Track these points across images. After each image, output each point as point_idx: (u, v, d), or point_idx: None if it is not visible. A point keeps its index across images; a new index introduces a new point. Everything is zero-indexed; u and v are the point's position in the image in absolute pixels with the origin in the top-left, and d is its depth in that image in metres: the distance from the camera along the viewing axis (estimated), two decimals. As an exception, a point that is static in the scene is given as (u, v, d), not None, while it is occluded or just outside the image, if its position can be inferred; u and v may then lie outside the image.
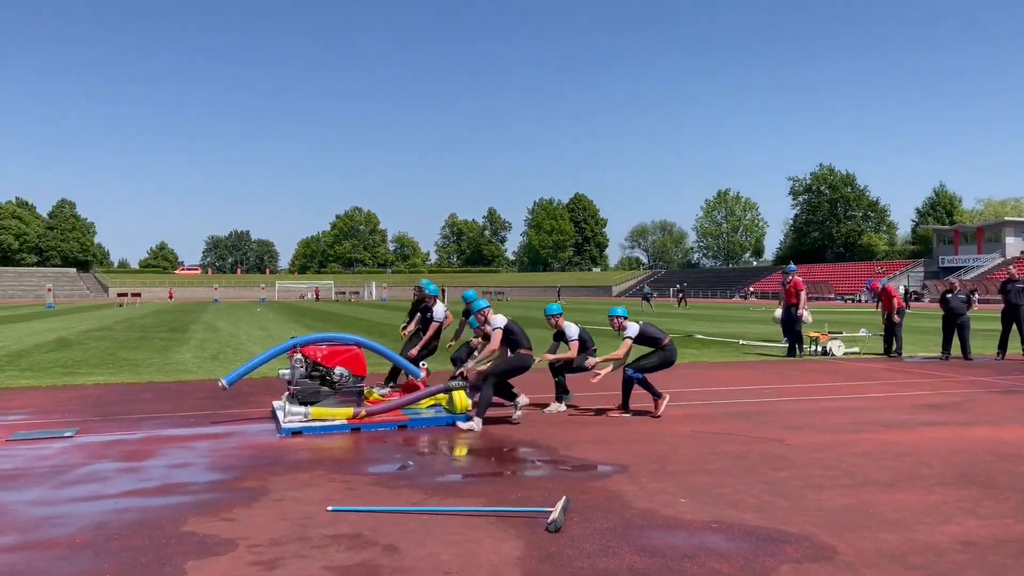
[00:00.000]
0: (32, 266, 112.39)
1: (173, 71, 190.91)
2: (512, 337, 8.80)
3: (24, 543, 4.60)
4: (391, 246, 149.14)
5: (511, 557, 4.31)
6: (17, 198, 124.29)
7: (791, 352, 16.13)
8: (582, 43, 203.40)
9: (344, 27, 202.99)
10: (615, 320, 9.47)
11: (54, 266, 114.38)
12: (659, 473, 6.25)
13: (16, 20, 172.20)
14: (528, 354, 8.80)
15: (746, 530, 4.78)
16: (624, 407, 9.23)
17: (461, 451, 7.29)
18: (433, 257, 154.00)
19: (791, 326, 16.11)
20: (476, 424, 8.24)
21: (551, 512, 4.92)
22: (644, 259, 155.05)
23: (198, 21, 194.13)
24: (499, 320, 8.83)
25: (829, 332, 17.44)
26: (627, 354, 9.27)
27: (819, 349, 16.55)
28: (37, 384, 12.05)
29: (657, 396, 9.05)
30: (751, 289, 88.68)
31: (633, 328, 9.27)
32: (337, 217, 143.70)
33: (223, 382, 8.86)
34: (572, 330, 9.74)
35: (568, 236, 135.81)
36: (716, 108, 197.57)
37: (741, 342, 19.65)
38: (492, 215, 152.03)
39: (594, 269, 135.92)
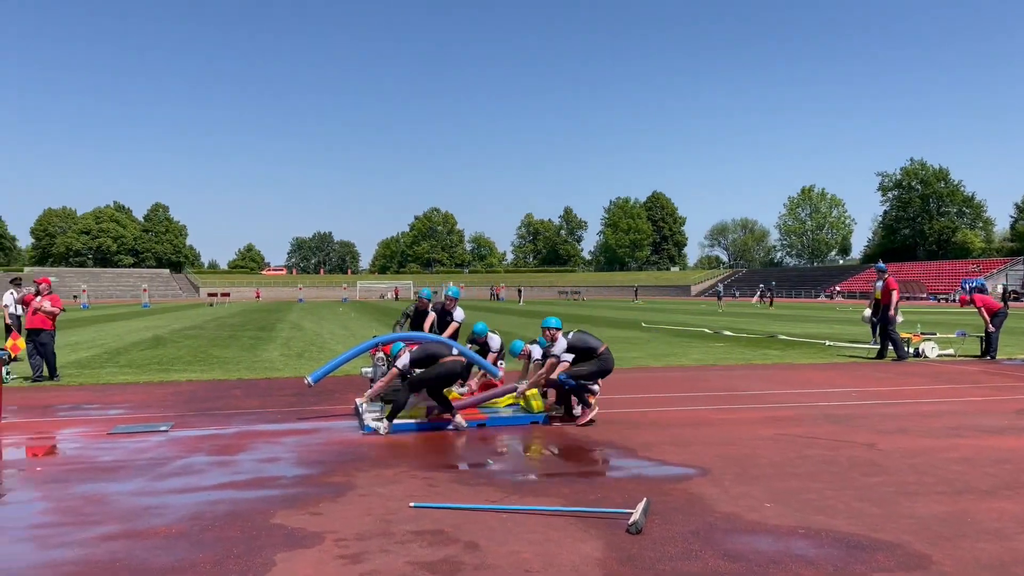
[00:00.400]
0: (129, 267, 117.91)
1: (263, 77, 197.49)
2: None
3: (125, 532, 4.83)
4: (468, 246, 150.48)
5: (591, 558, 4.30)
6: (115, 202, 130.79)
7: (882, 354, 15.53)
8: (660, 40, 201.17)
9: (422, 29, 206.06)
10: (547, 332, 8.95)
11: (149, 267, 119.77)
12: (742, 476, 6.12)
13: (112, 29, 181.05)
14: (455, 361, 8.40)
15: (835, 537, 4.64)
16: (567, 413, 8.78)
17: (539, 450, 7.30)
18: (509, 257, 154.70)
19: (885, 327, 15.48)
20: (383, 427, 8.08)
21: (632, 513, 4.88)
22: (724, 258, 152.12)
23: (282, 27, 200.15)
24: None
25: (922, 333, 16.74)
26: (553, 371, 8.60)
27: (912, 351, 15.90)
28: (135, 380, 12.65)
29: (586, 405, 8.50)
30: (837, 288, 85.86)
31: (561, 343, 8.62)
32: (416, 218, 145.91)
33: (309, 380, 9.11)
34: (560, 345, 8.71)
35: (645, 235, 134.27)
36: (799, 102, 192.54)
37: (827, 343, 19.06)
38: (568, 214, 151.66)
39: (672, 268, 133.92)
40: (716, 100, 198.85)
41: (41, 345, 12.58)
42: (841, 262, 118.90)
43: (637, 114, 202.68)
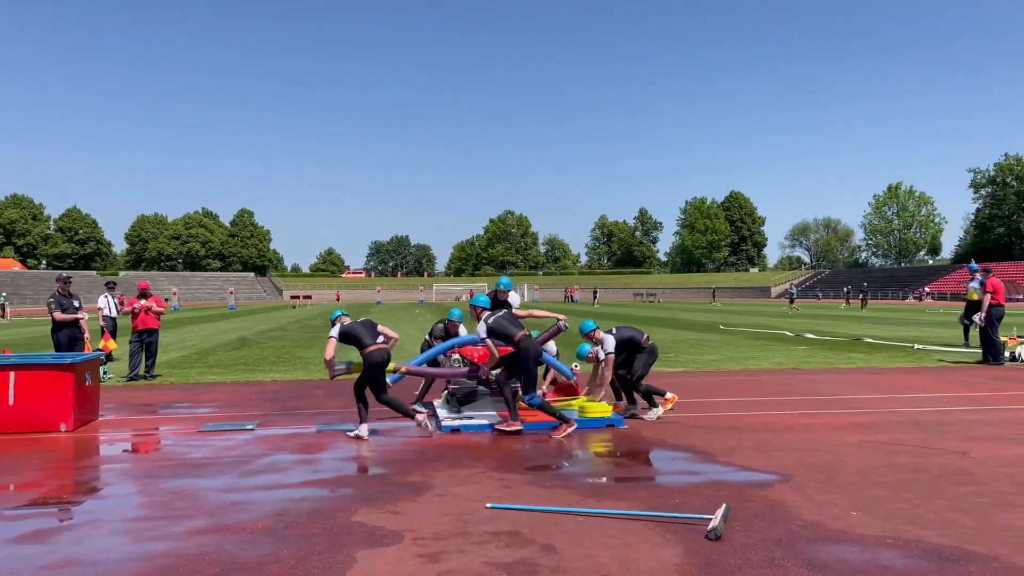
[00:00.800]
0: (216, 271, 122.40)
1: (342, 84, 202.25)
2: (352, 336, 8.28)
3: (213, 527, 5.01)
4: (542, 248, 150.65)
5: (670, 563, 4.24)
6: (204, 208, 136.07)
7: (987, 358, 14.80)
8: (736, 35, 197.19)
9: (496, 31, 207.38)
10: (592, 335, 9.19)
11: (235, 271, 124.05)
12: (826, 484, 5.94)
13: (195, 46, 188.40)
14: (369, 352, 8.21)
15: (926, 548, 4.45)
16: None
17: (616, 454, 7.25)
18: (584, 259, 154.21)
19: (986, 330, 14.77)
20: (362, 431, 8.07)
21: (711, 519, 4.80)
22: (806, 259, 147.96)
23: (362, 33, 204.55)
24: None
25: (1018, 336, 15.92)
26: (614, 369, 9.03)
27: (1008, 355, 15.14)
28: (223, 380, 13.13)
29: (652, 404, 9.07)
30: (926, 290, 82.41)
31: (610, 341, 8.96)
32: (490, 221, 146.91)
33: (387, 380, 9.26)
34: (609, 343, 9.01)
35: (723, 235, 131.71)
36: (885, 96, 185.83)
37: (916, 347, 18.33)
38: (643, 215, 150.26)
39: (751, 269, 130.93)
40: (796, 95, 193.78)
41: (148, 344, 13.23)
42: (930, 262, 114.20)
43: (714, 112, 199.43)
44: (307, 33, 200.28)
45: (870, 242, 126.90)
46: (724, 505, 5.05)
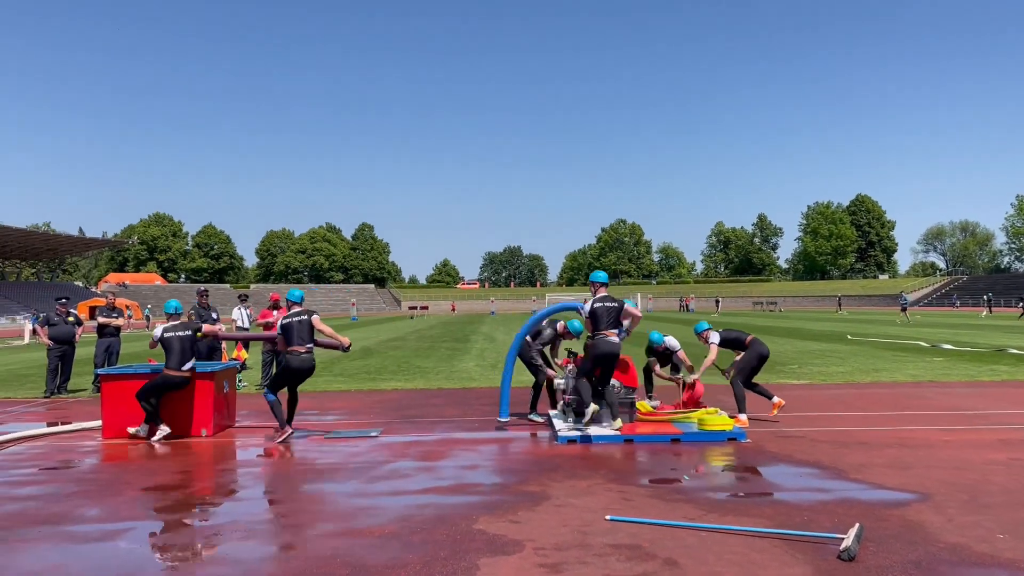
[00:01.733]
0: (339, 283, 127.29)
1: (454, 103, 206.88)
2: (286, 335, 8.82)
3: (343, 530, 5.22)
4: (656, 257, 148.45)
5: (799, 583, 4.09)
6: (327, 223, 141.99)
7: None
8: (860, 33, 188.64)
9: (602, 39, 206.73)
10: (702, 335, 9.98)
11: (356, 283, 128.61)
12: (970, 504, 5.58)
13: (315, 69, 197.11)
14: (295, 351, 8.73)
15: (1087, 578, 4.11)
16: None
17: (738, 468, 7.05)
18: (699, 267, 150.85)
19: None
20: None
21: (843, 539, 4.60)
22: (941, 264, 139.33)
23: (469, 49, 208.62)
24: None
25: None
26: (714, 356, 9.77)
27: None
28: (347, 388, 13.63)
29: (741, 410, 9.33)
30: (1079, 296, 75.96)
31: (715, 337, 9.88)
32: (602, 230, 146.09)
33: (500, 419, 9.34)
34: (714, 336, 9.98)
35: (849, 241, 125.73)
36: (1022, 89, 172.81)
37: (1069, 358, 16.92)
38: (762, 221, 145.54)
39: (881, 276, 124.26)
40: (925, 91, 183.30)
41: (278, 354, 13.90)
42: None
43: (836, 111, 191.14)
44: (423, 55, 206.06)
45: (1013, 246, 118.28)
46: (857, 524, 4.83)
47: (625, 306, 8.67)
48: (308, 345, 8.80)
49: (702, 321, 10.16)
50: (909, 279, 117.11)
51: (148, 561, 4.68)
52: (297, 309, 9.06)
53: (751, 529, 5.05)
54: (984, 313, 55.16)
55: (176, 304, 9.38)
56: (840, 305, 76.57)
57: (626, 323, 8.89)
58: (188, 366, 8.86)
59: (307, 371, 8.79)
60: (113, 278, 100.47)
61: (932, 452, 7.48)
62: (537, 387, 9.95)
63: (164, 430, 8.72)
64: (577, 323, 9.89)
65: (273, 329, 13.82)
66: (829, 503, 5.73)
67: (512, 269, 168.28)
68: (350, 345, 9.37)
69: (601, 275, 8.98)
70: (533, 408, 9.91)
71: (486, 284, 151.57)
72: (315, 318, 8.99)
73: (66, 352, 13.47)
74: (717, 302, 71.50)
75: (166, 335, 8.93)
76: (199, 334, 9.27)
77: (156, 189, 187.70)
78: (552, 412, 9.60)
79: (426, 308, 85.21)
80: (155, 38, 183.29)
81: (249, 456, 8.06)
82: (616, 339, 8.50)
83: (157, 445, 8.56)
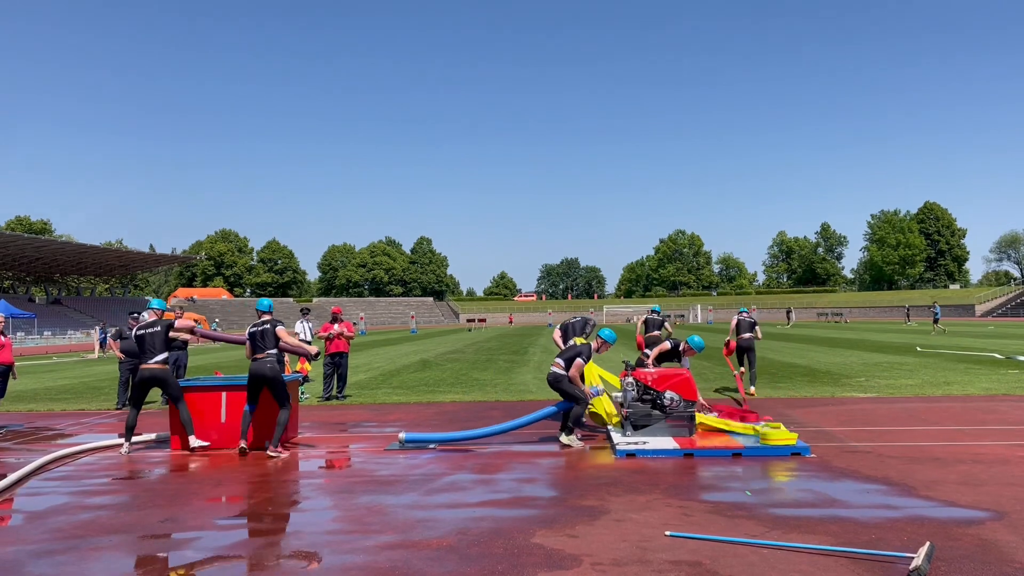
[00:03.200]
0: (398, 296, 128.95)
1: (509, 117, 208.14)
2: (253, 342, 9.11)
3: (402, 542, 5.26)
4: (716, 268, 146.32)
5: (867, 604, 3.96)
6: (387, 237, 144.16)
7: None
8: (926, 30, 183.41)
9: (657, 49, 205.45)
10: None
11: (415, 296, 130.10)
12: (1049, 524, 5.33)
13: (375, 85, 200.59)
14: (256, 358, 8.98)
15: None
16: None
17: (802, 484, 6.87)
18: (761, 277, 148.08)
19: None
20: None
21: (913, 559, 4.44)
22: (1016, 273, 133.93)
23: (530, 63, 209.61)
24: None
25: None
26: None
27: None
28: (406, 400, 13.77)
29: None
30: None
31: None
32: (661, 241, 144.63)
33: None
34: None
35: (918, 250, 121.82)
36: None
37: None
38: (826, 230, 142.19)
39: (951, 286, 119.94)
40: (994, 95, 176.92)
41: (339, 366, 14.15)
42: None
43: (902, 117, 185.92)
44: (481, 70, 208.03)
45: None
46: (928, 543, 4.66)
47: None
48: (269, 351, 9.03)
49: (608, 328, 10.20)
50: (982, 288, 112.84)
51: (213, 570, 4.79)
52: (265, 318, 9.33)
53: (816, 547, 4.91)
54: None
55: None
56: (908, 316, 74.19)
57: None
58: (158, 359, 9.30)
59: (258, 377, 8.90)
60: (182, 293, 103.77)
61: (1007, 469, 7.17)
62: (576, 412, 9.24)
63: (198, 442, 9.03)
64: (608, 331, 9.79)
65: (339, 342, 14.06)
66: (898, 521, 5.55)
67: (569, 281, 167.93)
68: (318, 353, 9.85)
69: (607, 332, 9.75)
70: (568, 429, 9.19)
71: (543, 296, 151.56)
72: (280, 328, 9.25)
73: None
74: (789, 313, 69.53)
75: (138, 333, 9.49)
76: (172, 331, 9.69)
77: (222, 206, 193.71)
78: (609, 426, 9.51)
79: (484, 321, 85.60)
80: (220, 60, 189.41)
81: (310, 467, 8.19)
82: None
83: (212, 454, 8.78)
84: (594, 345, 9.49)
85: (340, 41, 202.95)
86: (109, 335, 20.42)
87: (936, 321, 44.32)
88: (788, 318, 67.09)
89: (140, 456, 8.95)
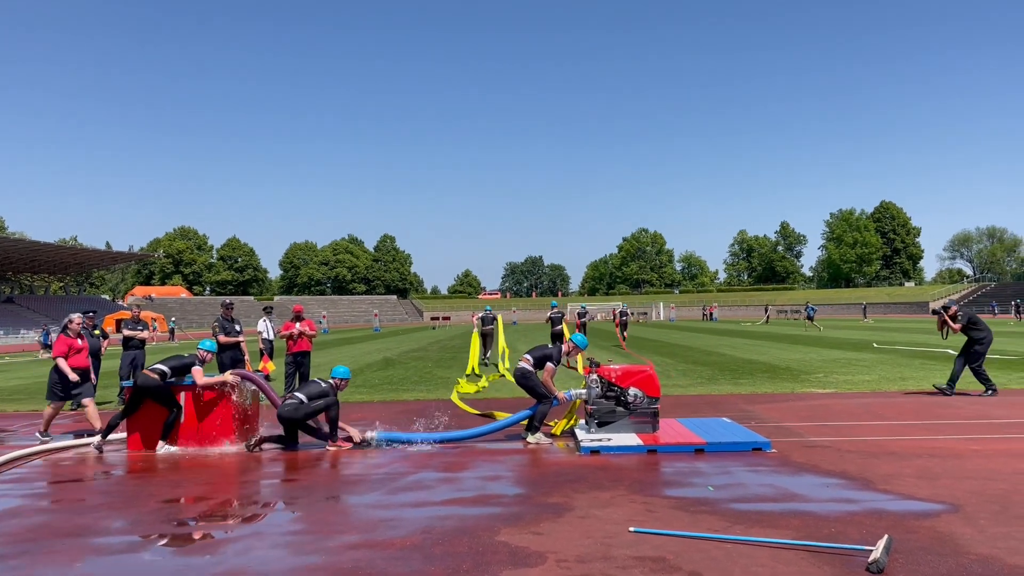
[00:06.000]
0: (361, 294, 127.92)
1: (473, 115, 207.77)
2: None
3: (365, 542, 5.21)
4: (678, 266, 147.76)
5: (827, 597, 4.02)
6: (350, 235, 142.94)
7: None
8: (877, 34, 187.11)
9: (622, 49, 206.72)
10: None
11: (379, 294, 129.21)
12: (1001, 516, 5.47)
13: (346, 84, 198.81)
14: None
15: (1125, 592, 4.00)
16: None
17: (764, 479, 6.95)
18: (722, 275, 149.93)
19: None
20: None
21: (872, 551, 4.52)
22: (968, 271, 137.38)
23: (493, 61, 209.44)
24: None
25: None
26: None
27: None
28: (370, 399, 13.66)
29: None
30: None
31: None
32: (624, 239, 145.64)
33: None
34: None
35: (874, 248, 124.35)
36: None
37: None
38: (785, 229, 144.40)
39: (906, 283, 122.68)
40: (950, 98, 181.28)
41: (302, 365, 13.97)
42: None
43: (858, 118, 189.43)
44: (444, 65, 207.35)
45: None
46: (886, 536, 4.74)
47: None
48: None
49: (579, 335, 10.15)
50: (936, 286, 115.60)
51: (171, 572, 4.70)
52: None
53: (778, 541, 4.98)
54: (1013, 320, 54.25)
55: (211, 344, 9.85)
56: (865, 313, 75.69)
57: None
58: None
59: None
60: (139, 291, 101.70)
61: (961, 462, 7.34)
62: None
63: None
64: (581, 336, 9.96)
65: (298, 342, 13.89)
66: (857, 514, 5.64)
67: (534, 279, 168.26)
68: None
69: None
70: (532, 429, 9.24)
71: (508, 294, 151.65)
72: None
73: (92, 365, 13.60)
74: (767, 310, 70.34)
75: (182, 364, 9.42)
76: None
77: (181, 203, 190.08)
78: (579, 424, 9.54)
79: (448, 319, 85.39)
80: (178, 52, 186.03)
81: (271, 468, 8.08)
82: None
83: (165, 455, 8.62)
84: (564, 349, 9.57)
85: (298, 37, 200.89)
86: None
87: (810, 319, 45.72)
88: (766, 315, 67.85)
89: (96, 457, 8.75)
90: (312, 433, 9.09)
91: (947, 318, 13.17)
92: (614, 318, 32.12)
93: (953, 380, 12.49)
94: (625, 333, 30.90)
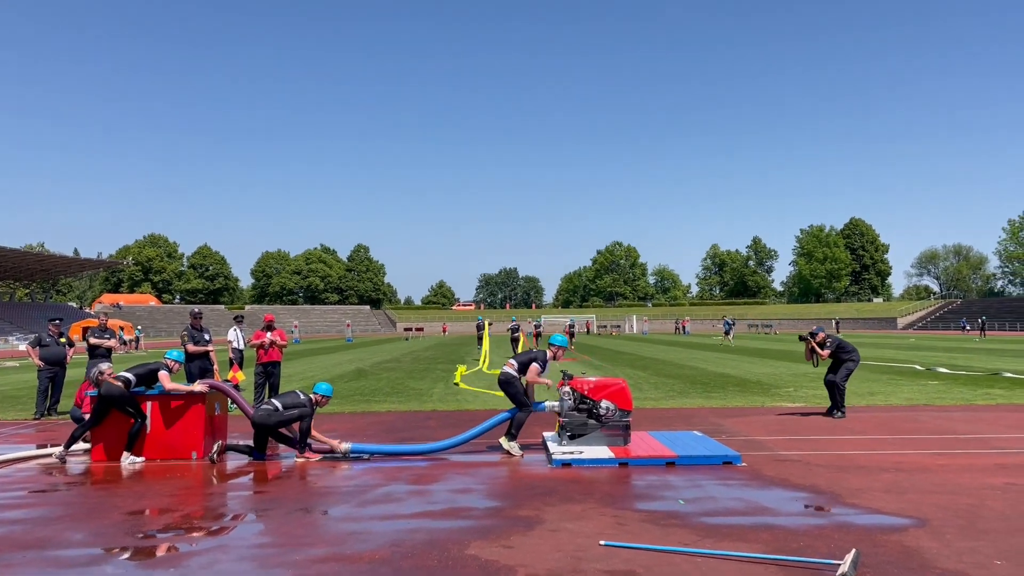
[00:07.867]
0: (334, 304, 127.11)
1: (449, 127, 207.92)
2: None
3: (333, 555, 5.14)
4: (651, 279, 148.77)
5: (795, 611, 4.03)
6: (322, 244, 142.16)
7: None
8: (854, 52, 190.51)
9: (598, 65, 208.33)
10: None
11: (352, 304, 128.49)
12: (967, 530, 5.53)
13: (318, 87, 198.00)
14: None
15: (1086, 606, 4.05)
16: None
17: (734, 492, 6.98)
18: (695, 289, 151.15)
19: None
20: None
21: (839, 565, 4.54)
22: (935, 287, 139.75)
23: (469, 72, 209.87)
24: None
25: None
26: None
27: None
28: (341, 411, 13.53)
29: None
30: (1073, 319, 76.11)
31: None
32: (598, 252, 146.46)
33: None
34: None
35: (843, 264, 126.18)
36: (1015, 116, 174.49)
37: (1064, 381, 16.90)
38: (757, 244, 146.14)
39: (875, 299, 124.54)
40: (919, 116, 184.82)
41: (271, 375, 13.79)
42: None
43: (830, 135, 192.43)
44: (418, 76, 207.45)
45: (1006, 269, 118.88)
46: (853, 550, 4.77)
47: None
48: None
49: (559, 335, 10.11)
50: (903, 302, 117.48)
51: (134, 587, 4.59)
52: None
53: (747, 555, 4.99)
54: (978, 336, 55.23)
55: (178, 354, 9.77)
56: (838, 328, 76.61)
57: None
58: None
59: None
60: (107, 299, 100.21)
61: (928, 477, 7.43)
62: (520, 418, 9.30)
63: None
64: (561, 337, 9.94)
65: (268, 351, 13.73)
66: (826, 528, 5.68)
67: (508, 291, 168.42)
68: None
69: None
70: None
71: (481, 306, 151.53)
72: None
73: (57, 373, 13.34)
74: (732, 325, 70.33)
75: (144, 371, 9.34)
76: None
77: (152, 210, 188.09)
78: (547, 435, 9.52)
79: (421, 330, 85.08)
80: (150, 57, 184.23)
81: (239, 480, 7.97)
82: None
83: (133, 468, 8.47)
84: (549, 353, 9.55)
85: (274, 43, 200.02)
86: (28, 342, 19.51)
87: (727, 333, 46.51)
88: (729, 332, 67.95)
89: (58, 468, 8.56)
90: (285, 442, 8.97)
91: (814, 344, 12.50)
92: (566, 330, 45.28)
93: (838, 403, 11.86)
94: (573, 342, 41.84)
